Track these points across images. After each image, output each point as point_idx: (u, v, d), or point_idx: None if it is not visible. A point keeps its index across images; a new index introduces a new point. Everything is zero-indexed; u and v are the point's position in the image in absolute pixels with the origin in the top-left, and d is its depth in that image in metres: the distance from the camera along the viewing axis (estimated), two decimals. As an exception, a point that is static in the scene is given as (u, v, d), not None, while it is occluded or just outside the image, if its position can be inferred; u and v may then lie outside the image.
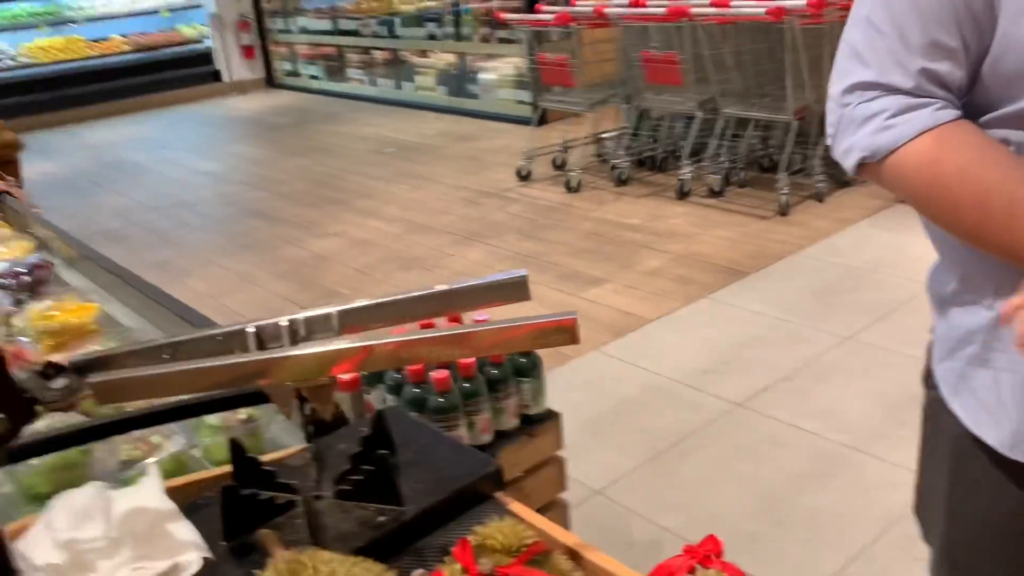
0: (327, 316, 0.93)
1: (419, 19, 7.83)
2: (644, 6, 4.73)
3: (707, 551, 0.80)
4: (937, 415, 0.95)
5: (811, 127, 4.56)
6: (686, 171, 4.68)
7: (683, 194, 4.67)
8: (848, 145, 0.83)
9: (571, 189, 4.97)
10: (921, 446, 1.02)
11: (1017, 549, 0.90)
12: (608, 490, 2.37)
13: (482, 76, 7.31)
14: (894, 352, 2.92)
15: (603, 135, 5.49)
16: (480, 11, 7.19)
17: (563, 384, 2.91)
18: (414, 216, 4.87)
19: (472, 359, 1.55)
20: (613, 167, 5.06)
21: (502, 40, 6.98)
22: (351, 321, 0.93)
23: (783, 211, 4.30)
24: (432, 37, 7.75)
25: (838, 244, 3.89)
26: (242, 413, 1.33)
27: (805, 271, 3.66)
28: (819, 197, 4.44)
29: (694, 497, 2.32)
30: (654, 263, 3.87)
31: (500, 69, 7.16)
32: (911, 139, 0.79)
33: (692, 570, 0.79)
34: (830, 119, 0.87)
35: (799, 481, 2.33)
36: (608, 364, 3.03)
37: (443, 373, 1.51)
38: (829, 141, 0.88)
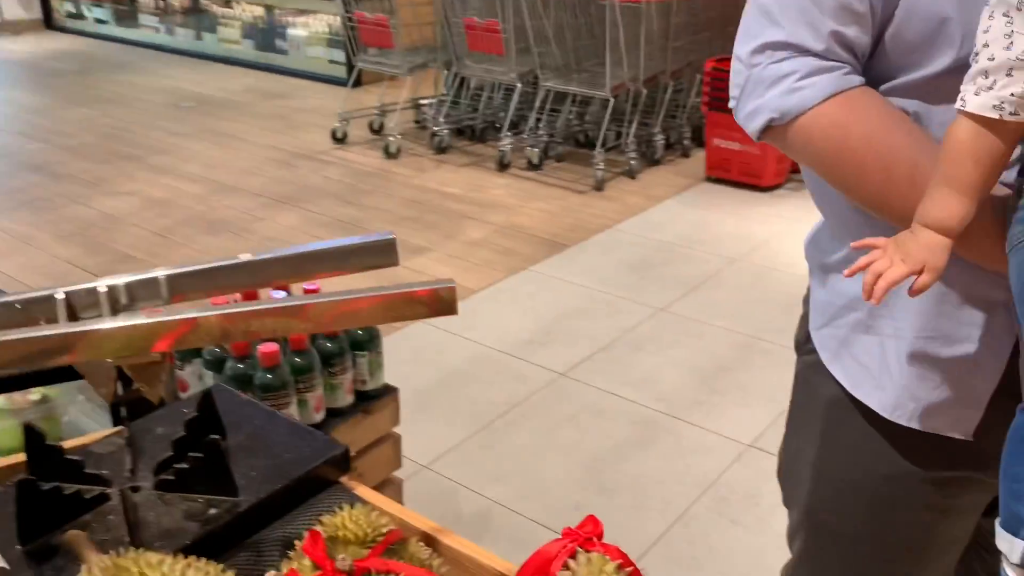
0: (153, 281, 0.79)
1: (223, -34, 7.32)
2: (467, -29, 4.65)
3: (588, 533, 0.76)
4: (810, 380, 0.97)
5: (627, 105, 4.69)
6: (506, 143, 4.68)
7: (503, 166, 4.67)
8: (755, 107, 0.81)
9: (390, 155, 4.84)
10: (791, 411, 1.03)
11: (879, 510, 0.93)
12: (436, 464, 2.31)
13: (292, 32, 6.94)
14: (704, 323, 3.06)
15: (422, 101, 5.38)
16: (292, -37, 6.82)
17: (388, 357, 2.81)
18: (219, 176, 4.55)
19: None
20: (433, 134, 4.97)
21: (315, -5, 6.66)
22: (184, 287, 0.80)
23: (599, 186, 4.40)
24: (238, -13, 7.28)
25: (650, 220, 4.03)
26: (34, 393, 1.14)
27: (621, 245, 3.76)
28: (631, 174, 4.58)
29: (521, 468, 2.32)
30: (477, 234, 3.84)
31: (312, 25, 6.83)
32: (820, 102, 0.77)
33: (573, 554, 0.74)
34: (735, 80, 0.84)
35: (621, 448, 2.39)
36: (434, 336, 2.96)
37: (271, 347, 1.38)
38: (732, 104, 0.85)
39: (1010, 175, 0.74)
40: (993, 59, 0.65)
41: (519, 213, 4.08)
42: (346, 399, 1.53)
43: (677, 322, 3.08)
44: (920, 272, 0.71)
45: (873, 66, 0.80)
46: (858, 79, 0.79)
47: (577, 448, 2.39)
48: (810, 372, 0.97)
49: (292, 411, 1.44)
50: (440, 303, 0.81)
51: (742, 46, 0.82)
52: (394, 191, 4.36)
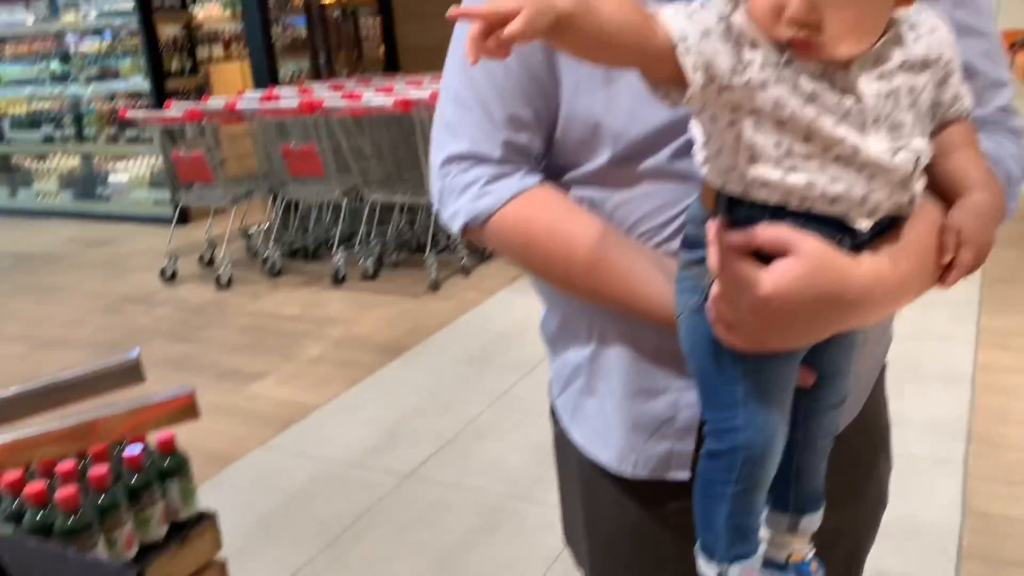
0: None
1: (33, 121, 7.18)
2: (277, 100, 4.80)
3: None
4: (563, 446, 1.04)
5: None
6: (339, 258, 4.76)
7: (339, 280, 4.73)
8: (453, 211, 0.90)
9: (222, 285, 4.81)
10: (558, 477, 1.11)
11: (644, 555, 0.99)
12: (283, 588, 2.28)
13: (113, 177, 6.86)
14: (541, 402, 3.17)
15: (251, 229, 5.41)
16: (105, 110, 6.78)
17: (228, 487, 2.76)
18: (42, 332, 4.38)
19: (104, 470, 1.42)
20: (265, 260, 4.99)
21: (132, 139, 6.63)
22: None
23: (435, 287, 4.53)
24: (50, 140, 7.14)
25: (486, 312, 4.18)
26: None
27: (459, 340, 3.87)
28: (465, 271, 4.75)
29: (371, 575, 2.31)
30: (315, 350, 3.86)
31: (133, 169, 6.78)
32: (505, 203, 0.87)
33: None
34: (434, 188, 0.93)
35: (469, 537, 2.42)
36: (274, 459, 2.94)
37: (70, 490, 1.37)
38: (435, 208, 0.94)
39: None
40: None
41: (357, 324, 4.13)
42: (159, 531, 1.51)
43: (516, 405, 3.19)
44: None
45: (553, 161, 0.91)
46: (536, 178, 0.89)
47: (426, 547, 2.41)
48: (561, 438, 1.04)
49: (100, 551, 1.41)
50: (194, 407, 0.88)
51: (435, 156, 0.92)
52: (229, 321, 4.32)
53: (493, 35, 0.59)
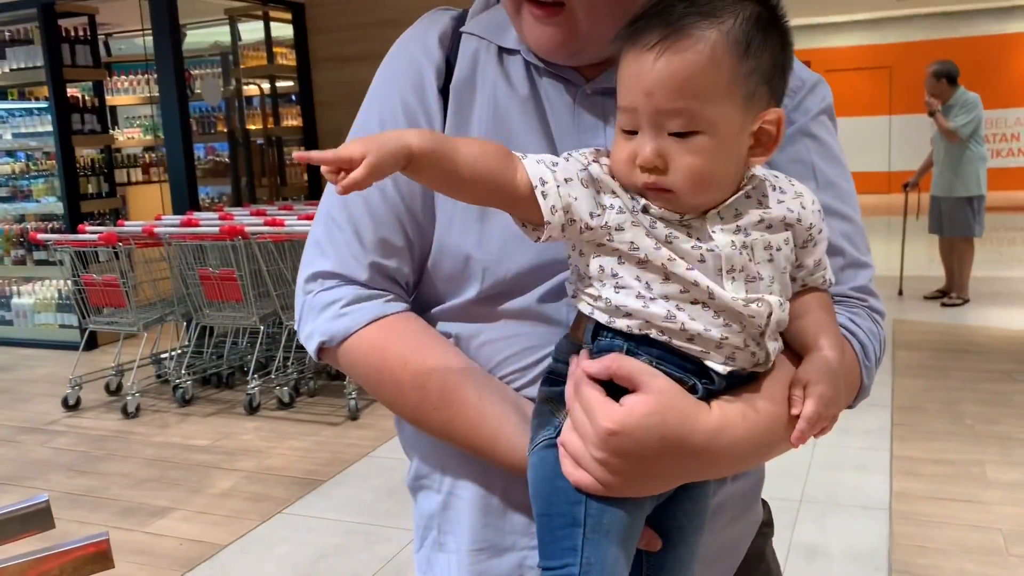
0: None
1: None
2: (197, 225, 4.75)
3: None
4: None
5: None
6: (254, 385, 4.62)
7: (253, 409, 4.58)
8: (310, 330, 0.87)
9: (129, 414, 4.59)
10: None
11: None
12: None
13: (17, 301, 6.59)
14: (464, 538, 3.07)
15: (162, 355, 5.23)
16: (13, 232, 6.58)
17: (123, 637, 2.54)
18: (-75, 468, 4.06)
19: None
20: (175, 387, 4.81)
21: (40, 262, 6.42)
22: None
23: (353, 415, 4.42)
24: (-47, 260, 6.85)
25: (406, 441, 4.07)
26: None
27: (378, 472, 3.75)
28: (386, 399, 4.66)
29: None
30: (225, 484, 3.68)
31: (39, 292, 6.53)
32: (362, 327, 0.84)
33: None
34: (296, 305, 0.91)
35: None
36: (177, 604, 2.74)
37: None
38: (296, 326, 0.91)
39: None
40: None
41: (270, 455, 3.97)
42: None
43: (438, 541, 3.07)
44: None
45: (422, 292, 0.90)
46: (400, 305, 0.87)
47: None
48: None
49: None
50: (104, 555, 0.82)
51: (300, 274, 0.90)
52: (134, 452, 4.10)
53: (340, 179, 0.64)
